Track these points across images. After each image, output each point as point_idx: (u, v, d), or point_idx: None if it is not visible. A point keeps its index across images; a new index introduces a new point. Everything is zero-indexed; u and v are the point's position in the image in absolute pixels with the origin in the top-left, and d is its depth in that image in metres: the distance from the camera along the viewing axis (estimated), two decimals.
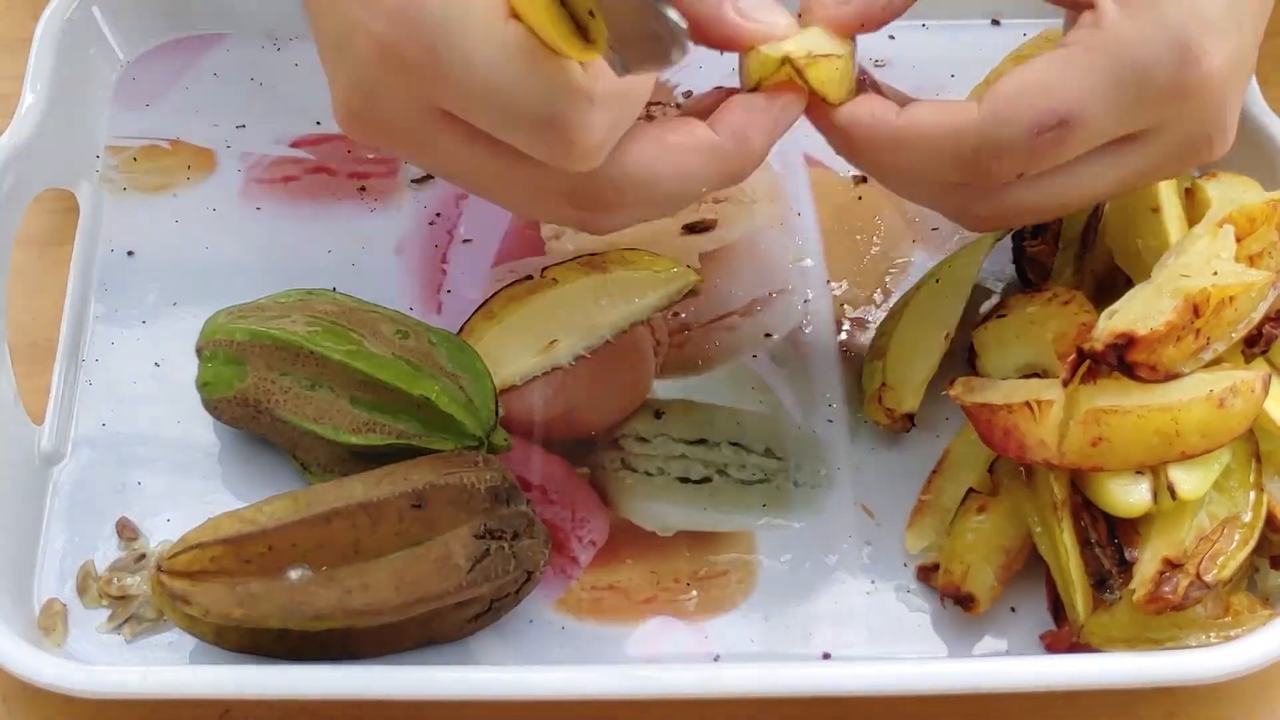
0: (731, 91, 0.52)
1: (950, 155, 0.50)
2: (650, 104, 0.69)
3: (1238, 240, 0.55)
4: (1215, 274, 0.53)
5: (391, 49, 0.46)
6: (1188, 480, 0.52)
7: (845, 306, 0.64)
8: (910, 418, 0.60)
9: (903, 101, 0.53)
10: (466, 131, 0.48)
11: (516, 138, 0.47)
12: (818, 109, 0.52)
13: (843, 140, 0.52)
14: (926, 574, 0.57)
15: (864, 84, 0.53)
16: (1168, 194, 0.58)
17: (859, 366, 0.62)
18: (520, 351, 0.62)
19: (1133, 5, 0.49)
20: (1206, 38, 0.49)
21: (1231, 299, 0.53)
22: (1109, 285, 0.60)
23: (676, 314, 0.64)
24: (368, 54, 0.47)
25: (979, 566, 0.56)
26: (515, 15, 0.45)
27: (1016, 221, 0.54)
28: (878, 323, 0.63)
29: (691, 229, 0.66)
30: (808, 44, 0.51)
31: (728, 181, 0.51)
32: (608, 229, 0.52)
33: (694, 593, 0.58)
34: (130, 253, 0.65)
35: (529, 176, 0.49)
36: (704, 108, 0.52)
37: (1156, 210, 0.57)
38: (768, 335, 0.64)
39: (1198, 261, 0.54)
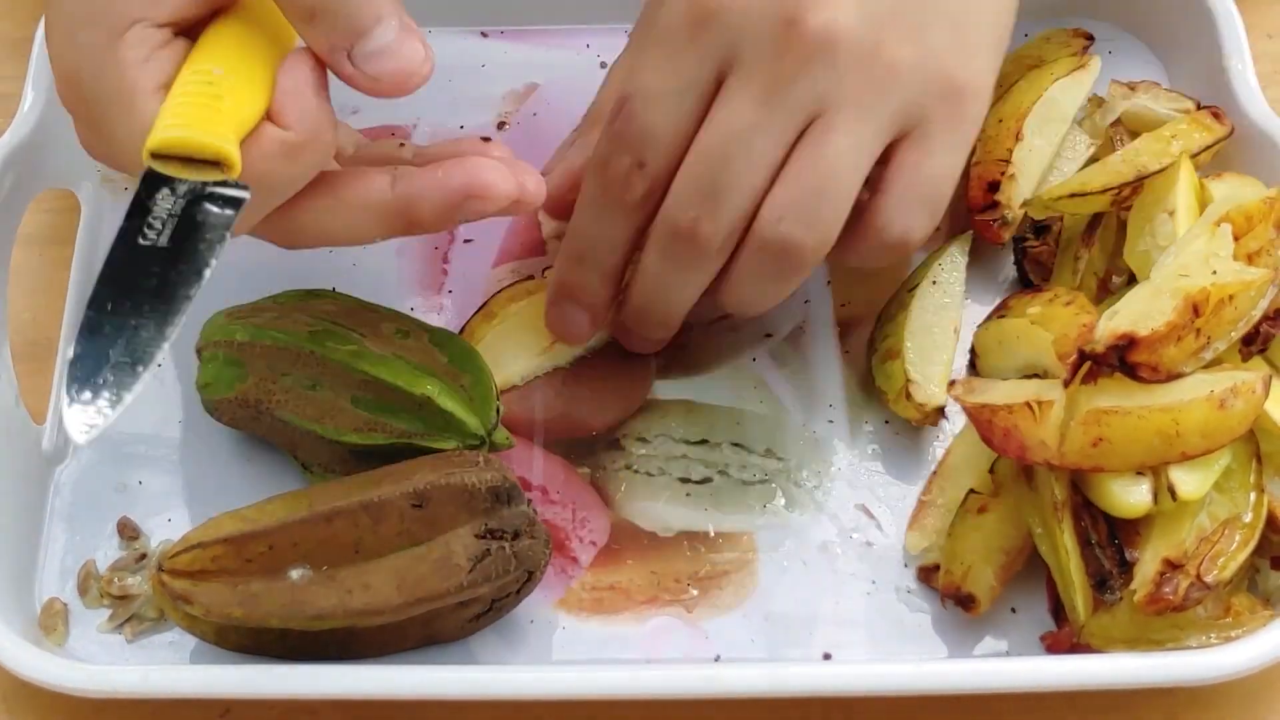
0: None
1: (592, 197, 0.56)
2: None
3: (1236, 239, 0.55)
4: (1214, 273, 0.53)
5: (70, 108, 0.51)
6: (1188, 481, 0.52)
7: (845, 307, 0.64)
8: (941, 410, 0.59)
9: None
10: None
11: None
12: None
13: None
14: (927, 574, 0.58)
15: None
16: (1184, 197, 0.58)
17: (859, 367, 0.62)
18: (521, 351, 0.62)
19: None
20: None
21: (1231, 298, 0.53)
22: (1110, 287, 0.60)
23: None
24: (61, 100, 0.52)
25: (979, 567, 0.56)
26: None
27: (814, 219, 0.54)
28: (877, 317, 0.63)
29: None
30: None
31: (398, 236, 0.53)
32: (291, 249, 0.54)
33: (694, 593, 0.58)
34: None
35: None
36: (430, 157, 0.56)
37: (1172, 213, 0.57)
38: (768, 335, 0.64)
39: (1196, 261, 0.54)
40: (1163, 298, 0.53)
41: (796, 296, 0.64)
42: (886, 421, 0.61)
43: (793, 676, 0.53)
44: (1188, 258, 0.54)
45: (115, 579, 0.57)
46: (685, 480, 0.60)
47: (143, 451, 0.60)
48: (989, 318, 0.61)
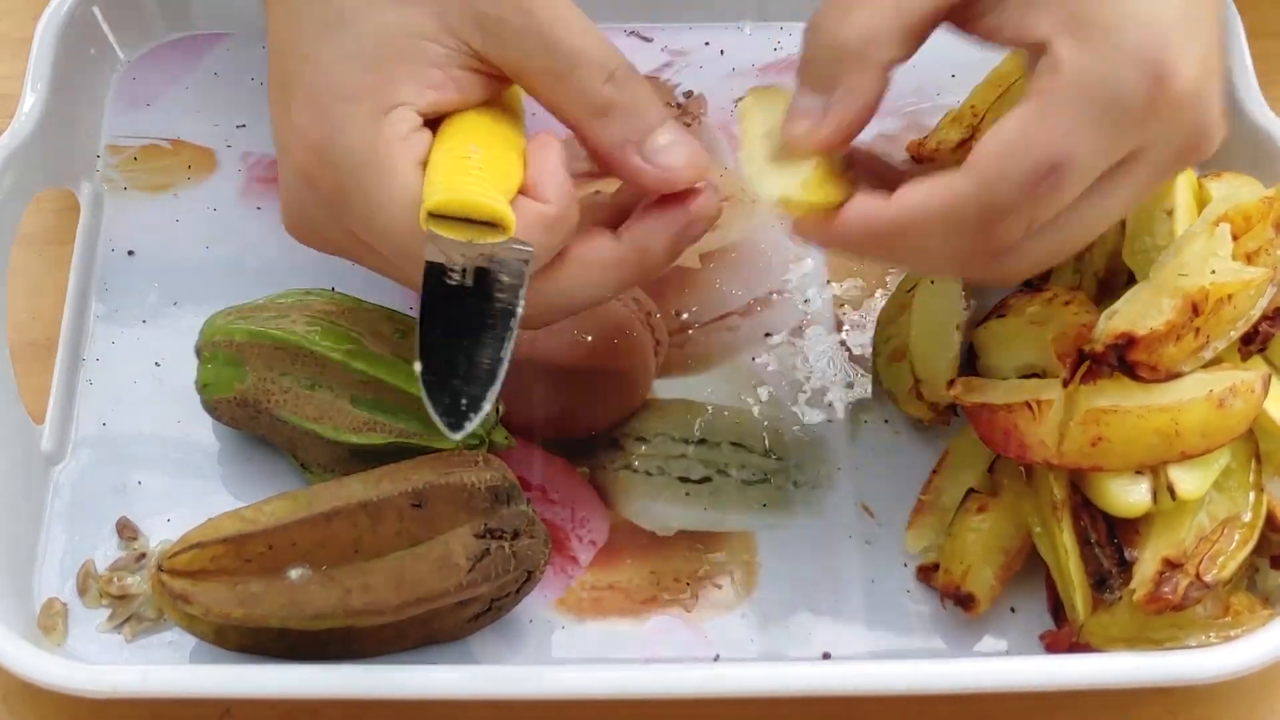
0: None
1: (955, 230, 0.49)
2: None
3: (1234, 238, 0.55)
4: (1213, 272, 0.53)
5: (310, 178, 0.51)
6: (1187, 480, 0.52)
7: (845, 307, 0.64)
8: (953, 408, 0.59)
9: (890, 176, 0.52)
10: (373, 248, 0.51)
11: (405, 275, 0.51)
12: (812, 226, 0.51)
13: (845, 249, 0.52)
14: (926, 574, 0.58)
15: (854, 162, 0.53)
16: (1183, 196, 0.58)
17: (859, 366, 0.62)
18: None
19: (1088, 38, 0.48)
20: (1169, 51, 0.48)
21: (1230, 297, 0.53)
22: (1109, 285, 0.60)
23: (677, 314, 0.64)
24: (294, 176, 0.52)
25: (979, 566, 0.56)
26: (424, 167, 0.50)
27: (1043, 267, 0.53)
28: (877, 319, 0.63)
29: None
30: (785, 184, 0.51)
31: (633, 285, 0.54)
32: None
33: (694, 593, 0.58)
34: (131, 252, 0.65)
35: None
36: (622, 203, 0.54)
37: (1170, 213, 0.57)
38: (768, 335, 0.64)
39: (1195, 260, 0.54)
40: (1162, 297, 0.53)
41: (795, 294, 0.65)
42: (886, 421, 0.61)
43: (792, 676, 0.53)
44: (1187, 257, 0.54)
45: (114, 579, 0.57)
46: (685, 480, 0.60)
47: (142, 451, 0.60)
48: (988, 317, 0.61)
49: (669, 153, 0.52)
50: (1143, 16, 0.48)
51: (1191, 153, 0.51)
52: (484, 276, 0.49)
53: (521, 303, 0.49)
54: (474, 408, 0.49)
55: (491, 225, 0.48)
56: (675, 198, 0.52)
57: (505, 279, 0.49)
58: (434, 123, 0.51)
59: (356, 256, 0.53)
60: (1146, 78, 0.48)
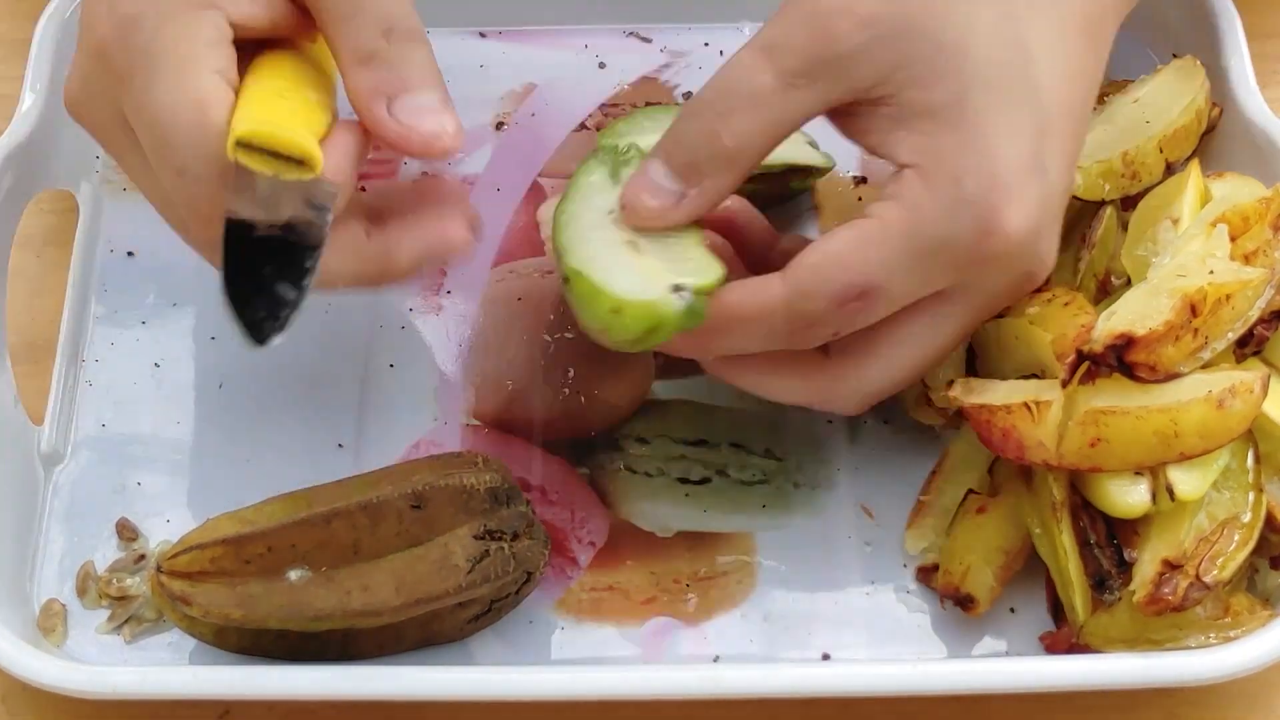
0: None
1: (764, 333, 0.51)
2: (650, 104, 0.69)
3: (1232, 239, 0.55)
4: (1211, 273, 0.53)
5: (105, 53, 0.50)
6: (1187, 481, 0.52)
7: None
8: (961, 412, 0.59)
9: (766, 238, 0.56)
10: (140, 146, 0.51)
11: (162, 174, 0.50)
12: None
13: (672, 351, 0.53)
14: (926, 575, 0.58)
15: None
16: (1190, 206, 0.58)
17: None
18: None
19: (933, 180, 0.50)
20: (1006, 205, 0.49)
21: (1228, 297, 0.53)
22: (1108, 288, 0.60)
23: None
24: (91, 48, 0.51)
25: (978, 567, 0.56)
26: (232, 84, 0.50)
27: (878, 398, 0.54)
28: None
29: None
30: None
31: (371, 285, 0.53)
32: None
33: (694, 593, 0.58)
34: (130, 253, 0.65)
35: (170, 209, 0.54)
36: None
37: (1176, 221, 0.57)
38: None
39: (1193, 261, 0.54)
40: (1160, 298, 0.53)
41: None
42: (886, 422, 0.61)
43: (792, 677, 0.53)
44: (1185, 258, 0.54)
45: (114, 580, 0.57)
46: (684, 481, 0.60)
47: (141, 452, 0.60)
48: None
49: (419, 115, 0.51)
50: (987, 170, 0.49)
51: (1014, 292, 0.53)
52: (289, 214, 0.49)
53: (327, 236, 0.48)
54: (279, 328, 0.48)
55: (297, 163, 0.48)
56: (433, 213, 0.53)
57: (311, 217, 0.48)
58: (242, 58, 0.51)
59: (117, 150, 0.53)
60: (977, 231, 0.50)
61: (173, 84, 0.49)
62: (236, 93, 0.50)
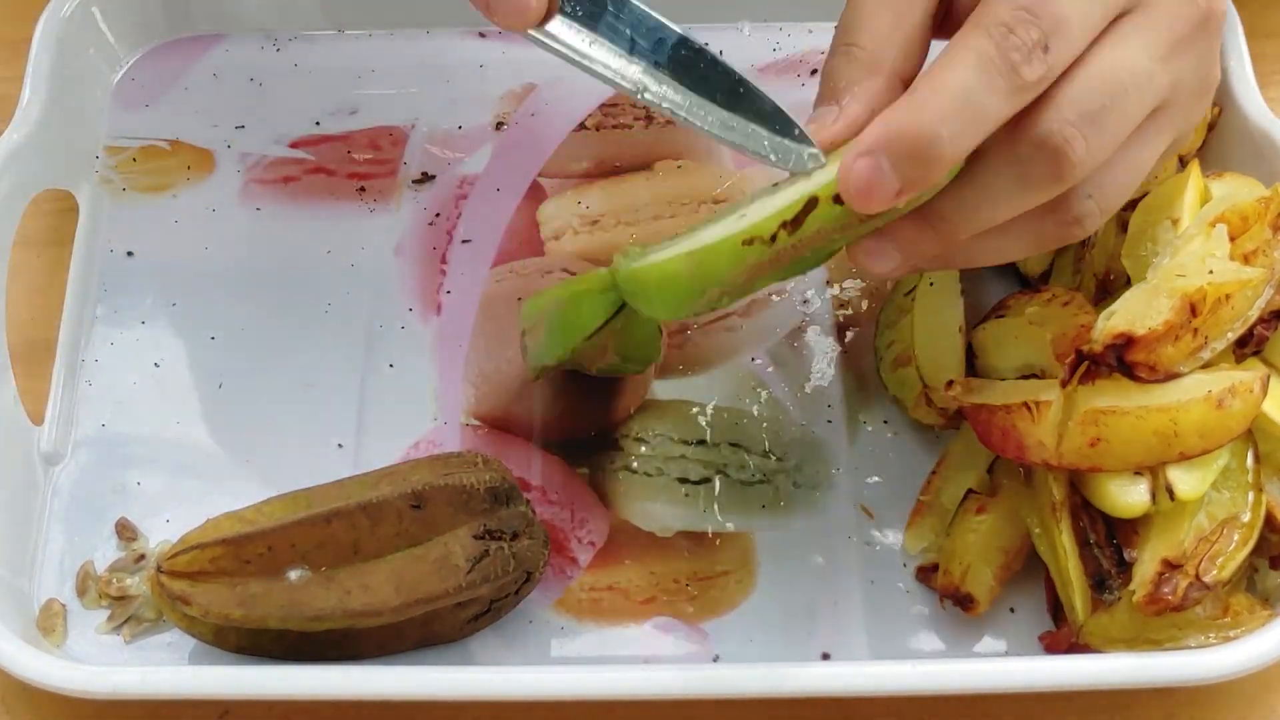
0: None
1: (985, 96, 0.47)
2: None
3: (1231, 239, 0.55)
4: (1210, 272, 0.53)
5: None
6: (1186, 481, 0.52)
7: (844, 308, 0.64)
8: (961, 413, 0.59)
9: None
10: None
11: None
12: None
13: (894, 163, 0.48)
14: (926, 574, 0.58)
15: None
16: (1191, 207, 0.58)
17: (858, 368, 0.62)
18: None
19: None
20: None
21: (1228, 297, 0.53)
22: (1108, 289, 0.60)
23: None
24: None
25: (978, 567, 0.56)
26: None
27: (1105, 213, 0.52)
28: (877, 322, 0.63)
29: None
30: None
31: None
32: None
33: (693, 593, 0.58)
34: (130, 253, 0.66)
35: None
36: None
37: (1176, 221, 0.57)
38: (767, 336, 0.64)
39: (1193, 261, 0.54)
40: (1160, 298, 0.53)
41: (795, 296, 0.65)
42: (885, 421, 0.61)
43: (791, 677, 0.53)
44: (1184, 258, 0.54)
45: (114, 579, 0.57)
46: (684, 481, 0.60)
47: (141, 452, 0.60)
48: (986, 317, 0.61)
49: None
50: None
51: (1199, 114, 0.52)
52: None
53: None
54: None
55: None
56: None
57: None
58: None
59: None
60: None
61: None
62: None
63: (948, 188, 0.49)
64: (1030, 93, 0.48)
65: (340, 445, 0.61)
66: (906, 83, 0.51)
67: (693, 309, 0.52)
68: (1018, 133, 0.49)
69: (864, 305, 0.64)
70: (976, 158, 0.49)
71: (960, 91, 0.47)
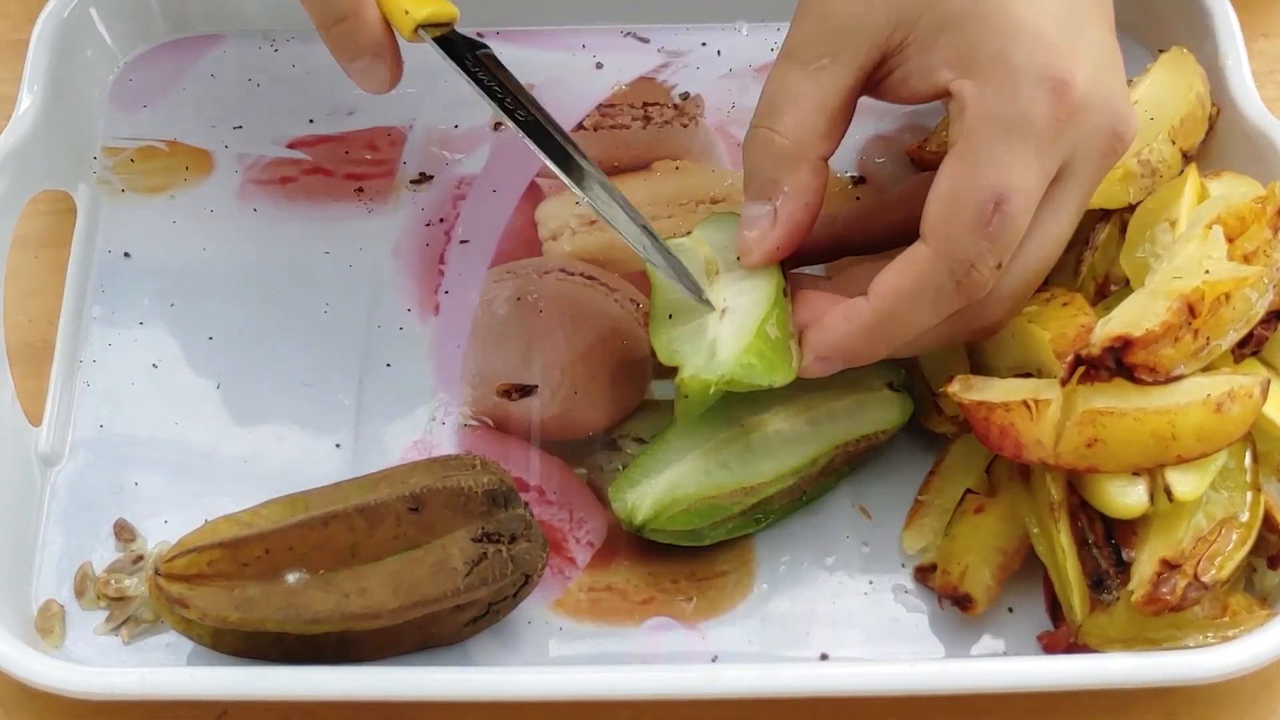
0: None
1: (932, 299, 0.52)
2: (647, 104, 0.69)
3: (1230, 240, 0.55)
4: (1207, 272, 0.53)
5: None
6: (1184, 481, 0.52)
7: None
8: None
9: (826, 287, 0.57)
10: None
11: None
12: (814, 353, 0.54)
13: (840, 361, 0.54)
14: (924, 574, 0.57)
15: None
16: (1188, 207, 0.58)
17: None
18: None
19: (982, 73, 0.51)
20: (1059, 62, 0.51)
21: (1227, 297, 0.53)
22: (1107, 292, 0.60)
23: None
24: None
25: (976, 567, 0.56)
26: None
27: (1019, 305, 0.55)
28: None
29: None
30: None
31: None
32: None
33: (692, 594, 0.58)
34: (127, 254, 0.65)
35: None
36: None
37: (1174, 224, 0.57)
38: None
39: (1190, 264, 0.54)
40: (1157, 300, 0.53)
41: None
42: None
43: (790, 677, 0.53)
44: (1181, 261, 0.54)
45: (112, 580, 0.57)
46: None
47: (139, 453, 0.60)
48: None
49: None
50: (1025, 39, 0.51)
51: (1112, 151, 0.54)
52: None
53: None
54: None
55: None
56: None
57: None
58: None
59: None
60: (1047, 92, 0.51)
61: None
62: None
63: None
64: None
65: (338, 445, 0.61)
66: (827, 159, 0.55)
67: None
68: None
69: None
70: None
71: (915, 324, 0.53)
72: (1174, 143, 0.60)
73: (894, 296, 0.52)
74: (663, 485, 0.56)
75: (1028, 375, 0.57)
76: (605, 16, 0.71)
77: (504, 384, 0.62)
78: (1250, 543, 0.53)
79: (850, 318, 0.53)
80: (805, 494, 0.58)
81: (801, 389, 0.58)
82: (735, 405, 0.58)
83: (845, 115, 0.54)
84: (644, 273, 0.61)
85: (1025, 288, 0.54)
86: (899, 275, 0.52)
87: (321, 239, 0.66)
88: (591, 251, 0.65)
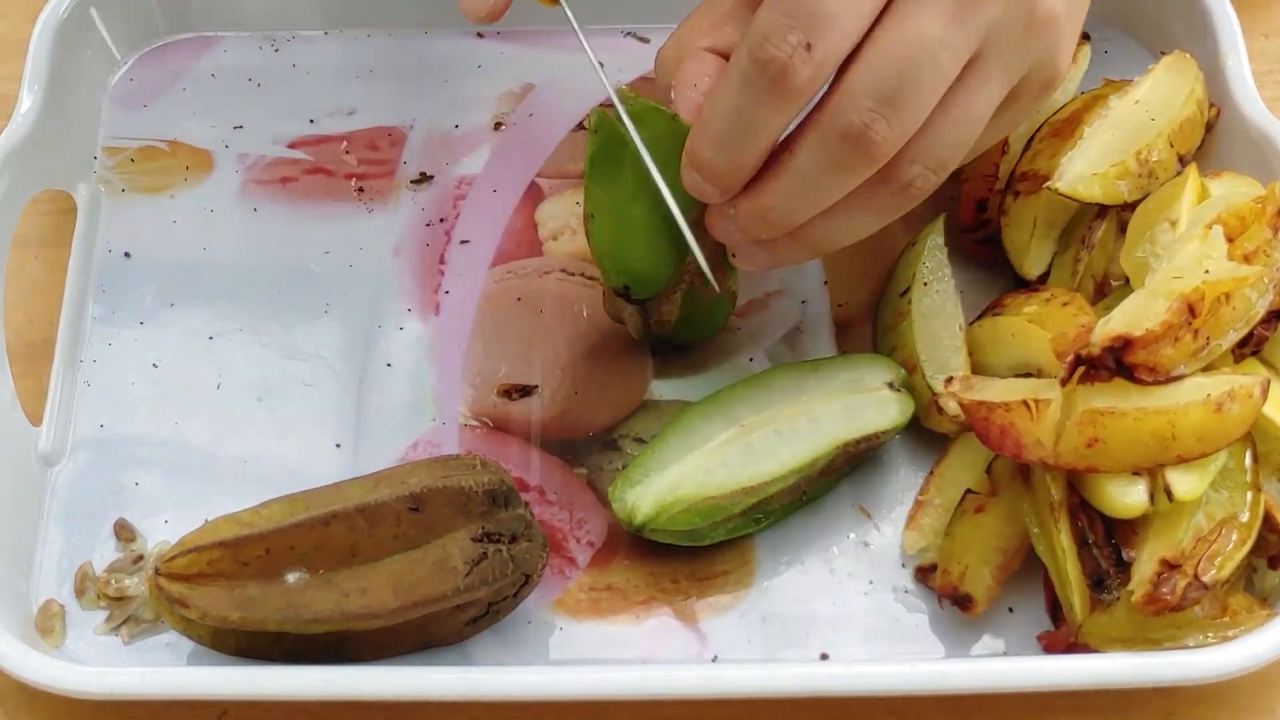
0: None
1: (740, 81, 0.51)
2: None
3: (1230, 240, 0.55)
4: (1207, 272, 0.53)
5: None
6: (1184, 481, 0.52)
7: (841, 307, 0.64)
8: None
9: None
10: None
11: None
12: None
13: (694, 174, 0.53)
14: (924, 574, 0.58)
15: None
16: (1188, 207, 0.58)
17: None
18: None
19: None
20: None
21: (1227, 296, 0.53)
22: (1107, 289, 0.60)
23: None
24: None
25: (976, 567, 0.56)
26: None
27: (941, 172, 0.53)
28: (874, 324, 0.63)
29: None
30: None
31: None
32: None
33: (692, 593, 0.58)
34: (128, 254, 0.65)
35: None
36: None
37: (1174, 223, 0.57)
38: (765, 336, 0.64)
39: (1189, 264, 0.54)
40: (1157, 300, 0.53)
41: (793, 296, 0.65)
42: None
43: (790, 677, 0.53)
44: (1181, 261, 0.54)
45: (112, 580, 0.57)
46: None
47: (139, 453, 0.60)
48: (982, 315, 0.61)
49: None
50: None
51: (1038, 81, 0.53)
52: None
53: None
54: None
55: None
56: None
57: None
58: None
59: None
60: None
61: None
62: None
63: (770, 183, 0.53)
64: (804, 94, 0.51)
65: (339, 445, 0.61)
66: (715, 51, 0.54)
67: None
68: (820, 123, 0.51)
69: (861, 305, 0.64)
70: (789, 149, 0.52)
71: (729, 112, 0.51)
72: (1171, 145, 0.60)
73: (709, 94, 0.52)
74: (663, 485, 0.56)
75: (1028, 375, 0.57)
76: (605, 16, 0.71)
77: (504, 384, 0.62)
78: (1250, 543, 0.53)
79: (692, 133, 0.53)
80: (806, 494, 0.58)
81: (801, 389, 0.58)
82: (736, 404, 0.58)
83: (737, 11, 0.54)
84: None
85: (940, 158, 0.52)
86: (712, 89, 0.52)
87: (321, 239, 0.66)
88: None
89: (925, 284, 0.61)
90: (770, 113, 0.51)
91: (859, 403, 0.58)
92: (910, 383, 0.60)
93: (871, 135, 0.50)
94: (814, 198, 0.53)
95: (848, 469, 0.59)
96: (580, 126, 0.69)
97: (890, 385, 0.59)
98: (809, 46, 0.49)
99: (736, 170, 0.53)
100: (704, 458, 0.57)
